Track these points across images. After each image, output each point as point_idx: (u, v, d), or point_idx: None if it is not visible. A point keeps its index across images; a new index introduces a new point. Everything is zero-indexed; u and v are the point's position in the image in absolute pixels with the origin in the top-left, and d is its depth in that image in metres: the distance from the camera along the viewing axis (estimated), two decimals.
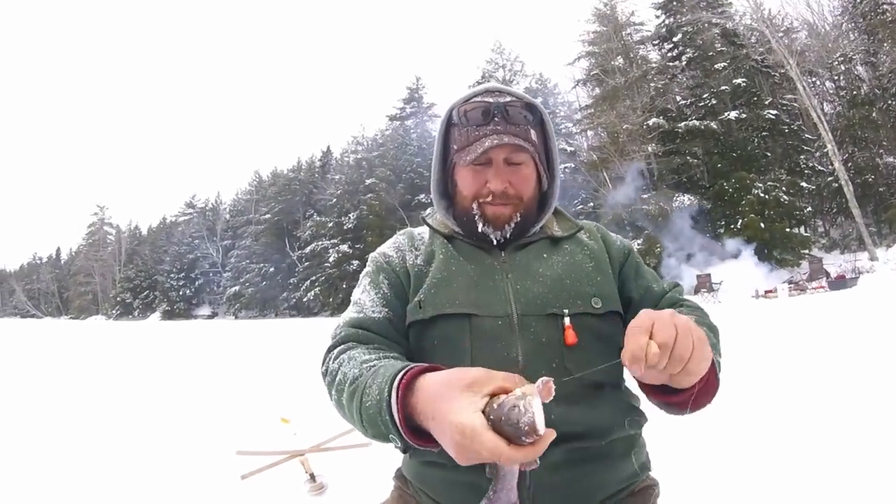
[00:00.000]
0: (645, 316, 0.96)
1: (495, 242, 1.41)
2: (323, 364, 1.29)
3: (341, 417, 1.21)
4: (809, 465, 3.76)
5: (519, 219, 1.40)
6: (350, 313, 1.39)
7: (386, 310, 1.36)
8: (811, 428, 4.59)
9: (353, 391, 1.10)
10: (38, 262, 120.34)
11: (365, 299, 1.39)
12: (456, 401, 0.85)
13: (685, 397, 1.06)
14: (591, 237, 1.52)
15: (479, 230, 1.40)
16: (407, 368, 1.00)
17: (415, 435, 0.96)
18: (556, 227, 1.52)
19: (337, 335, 1.33)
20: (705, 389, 1.08)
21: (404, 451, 1.06)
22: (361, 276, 1.50)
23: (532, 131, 1.40)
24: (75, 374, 12.43)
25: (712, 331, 1.26)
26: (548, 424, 0.95)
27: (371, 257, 1.53)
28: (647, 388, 1.12)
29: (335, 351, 1.27)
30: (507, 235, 1.40)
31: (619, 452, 1.30)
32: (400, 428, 0.96)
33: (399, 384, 0.97)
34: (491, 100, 1.38)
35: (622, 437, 1.29)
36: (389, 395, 0.98)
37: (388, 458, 1.42)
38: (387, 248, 1.53)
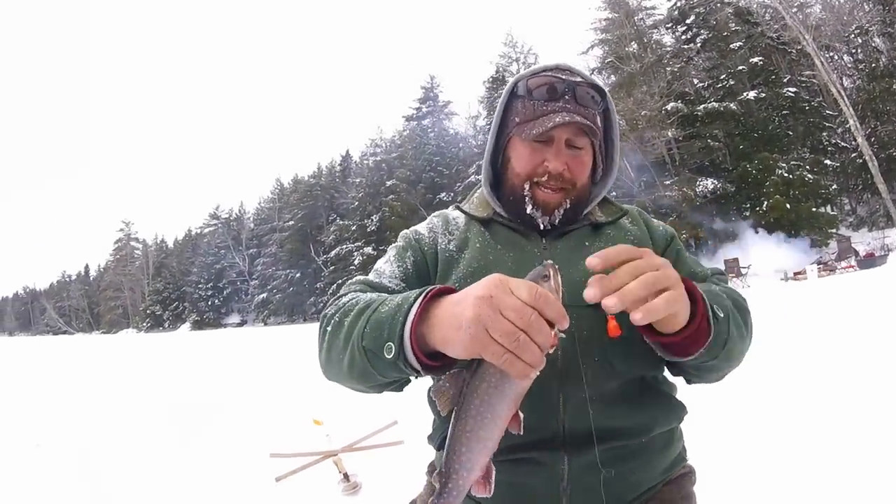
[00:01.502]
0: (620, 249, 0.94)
1: (542, 227, 1.36)
2: (328, 306, 1.21)
3: (324, 350, 1.15)
4: (842, 450, 3.75)
5: (569, 206, 1.36)
6: (368, 276, 1.35)
7: (403, 285, 1.31)
8: (845, 412, 4.57)
9: (367, 305, 1.06)
10: (68, 279, 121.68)
11: (386, 269, 1.36)
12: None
13: (672, 339, 1.02)
14: (633, 222, 1.47)
15: (528, 212, 1.35)
16: (439, 287, 0.97)
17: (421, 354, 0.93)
18: (599, 213, 1.47)
19: (350, 288, 1.29)
20: (694, 336, 1.03)
21: (394, 364, 0.94)
22: (389, 248, 1.46)
23: (598, 117, 1.36)
24: (110, 386, 12.71)
25: (733, 300, 1.20)
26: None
27: (402, 233, 1.49)
28: (642, 329, 1.05)
29: (347, 295, 1.22)
30: (556, 222, 1.36)
31: (658, 447, 1.28)
32: (409, 333, 0.92)
33: (429, 292, 0.94)
34: (562, 77, 1.33)
35: (662, 431, 1.28)
36: (417, 298, 0.94)
37: (422, 454, 1.40)
38: (421, 227, 1.49)
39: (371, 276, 1.34)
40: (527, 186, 1.34)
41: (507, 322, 0.79)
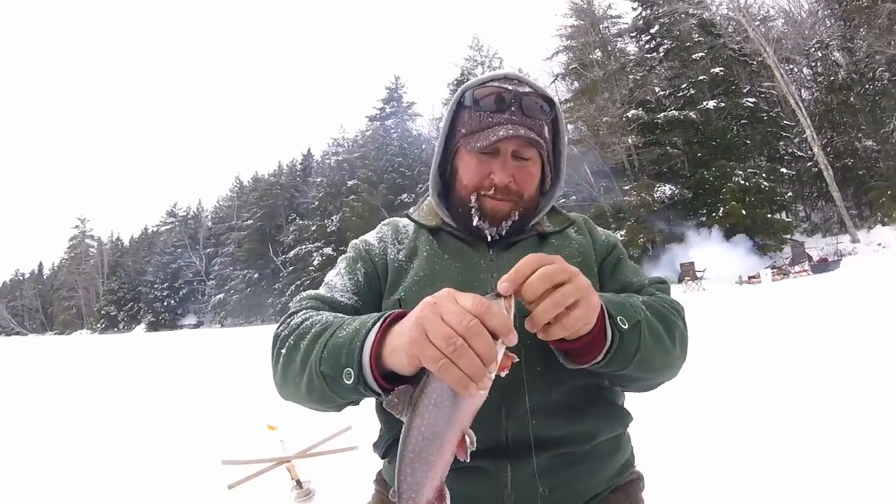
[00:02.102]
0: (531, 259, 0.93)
1: (489, 239, 1.34)
2: (280, 325, 1.21)
3: (279, 371, 1.15)
4: (795, 451, 3.71)
5: (517, 217, 1.34)
6: (319, 290, 1.34)
7: (356, 298, 1.32)
8: (797, 414, 4.55)
9: (324, 329, 1.06)
10: (21, 277, 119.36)
11: (337, 282, 1.35)
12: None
13: (569, 346, 1.03)
14: (578, 231, 1.47)
15: (474, 224, 1.33)
16: (399, 311, 0.97)
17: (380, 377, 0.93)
18: (546, 222, 1.46)
19: (301, 305, 1.27)
20: (591, 344, 1.02)
21: (354, 388, 0.96)
22: (339, 259, 1.45)
23: (546, 127, 1.35)
24: (61, 389, 12.41)
25: (657, 312, 1.18)
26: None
27: (352, 243, 1.48)
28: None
29: (300, 313, 1.21)
30: (503, 233, 1.34)
31: (604, 453, 1.26)
32: (368, 358, 0.93)
33: (387, 318, 0.95)
34: (509, 87, 1.30)
35: (607, 438, 1.26)
36: (375, 323, 0.95)
37: (375, 460, 1.36)
38: (370, 236, 1.48)
39: (322, 291, 1.34)
40: (473, 198, 1.33)
41: (445, 326, 0.80)
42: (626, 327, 1.05)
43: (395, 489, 0.87)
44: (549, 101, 1.33)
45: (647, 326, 1.11)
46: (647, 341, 1.09)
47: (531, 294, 0.89)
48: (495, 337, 0.80)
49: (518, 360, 0.87)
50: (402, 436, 0.85)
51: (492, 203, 1.31)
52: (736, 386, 5.72)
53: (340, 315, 1.13)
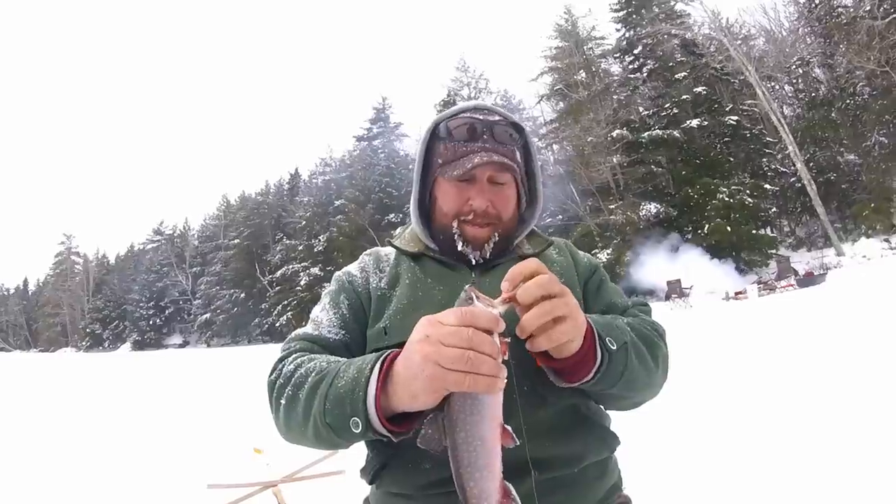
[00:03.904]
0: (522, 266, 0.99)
1: (474, 262, 1.37)
2: (273, 372, 1.23)
3: (282, 420, 1.17)
4: (785, 470, 3.77)
5: (497, 239, 1.37)
6: (306, 329, 1.37)
7: (343, 332, 1.34)
8: (787, 431, 4.60)
9: (320, 378, 1.08)
10: (6, 293, 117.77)
11: (323, 318, 1.37)
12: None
13: (559, 365, 1.07)
14: (559, 253, 1.51)
15: (459, 249, 1.37)
16: (393, 351, 0.99)
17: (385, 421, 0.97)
18: (526, 245, 1.50)
19: (290, 347, 1.30)
20: (581, 363, 1.07)
21: (364, 434, 0.99)
22: (324, 293, 1.48)
23: (517, 152, 1.39)
24: (46, 407, 12.39)
25: (640, 334, 1.24)
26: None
27: (335, 276, 1.50)
28: (534, 353, 1.07)
29: (291, 357, 1.23)
30: (486, 256, 1.37)
31: (591, 477, 1.26)
32: (374, 408, 0.96)
33: (386, 359, 0.98)
34: (480, 117, 1.36)
35: (595, 461, 1.27)
36: (373, 369, 0.98)
37: (362, 485, 1.38)
38: (352, 267, 1.50)
39: (309, 329, 1.36)
40: (455, 225, 1.36)
41: (451, 349, 0.84)
42: (614, 348, 1.10)
43: None
44: (518, 128, 1.41)
45: (634, 348, 1.16)
46: (633, 362, 1.14)
47: (526, 297, 0.94)
48: (490, 333, 0.86)
49: (509, 339, 0.91)
50: (451, 457, 0.89)
51: (472, 230, 1.35)
52: (724, 404, 5.75)
53: (333, 358, 1.15)
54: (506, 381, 0.86)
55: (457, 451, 0.89)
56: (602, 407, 1.36)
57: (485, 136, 1.33)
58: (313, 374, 1.10)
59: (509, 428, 0.90)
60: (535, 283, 0.95)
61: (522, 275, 0.96)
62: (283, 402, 1.14)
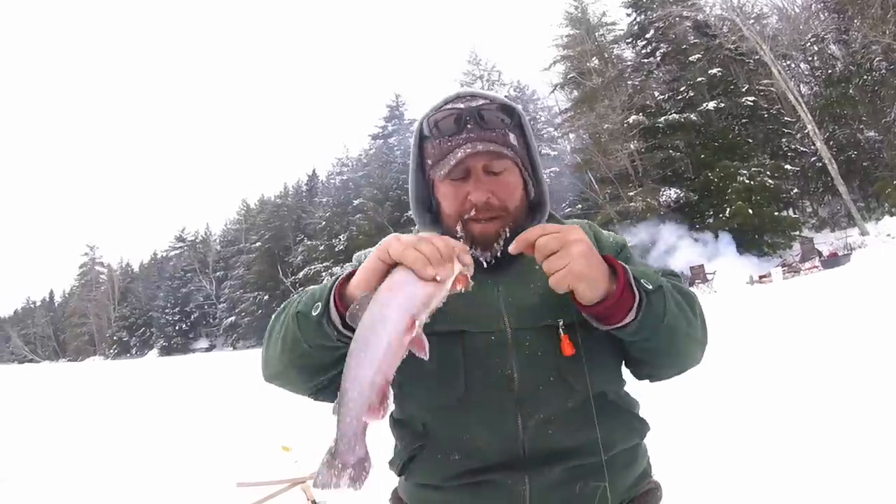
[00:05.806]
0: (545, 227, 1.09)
1: (485, 265, 1.26)
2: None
3: (265, 338, 1.24)
4: (815, 456, 3.74)
5: (508, 234, 1.25)
6: None
7: None
8: (816, 417, 4.56)
9: (307, 291, 1.18)
10: (32, 306, 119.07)
11: None
12: None
13: (597, 309, 1.09)
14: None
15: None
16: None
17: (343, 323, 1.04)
18: None
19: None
20: (619, 304, 1.09)
21: (319, 321, 1.07)
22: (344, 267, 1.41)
23: (511, 135, 1.30)
24: (77, 414, 12.58)
25: (676, 287, 1.23)
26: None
27: (356, 255, 1.46)
28: (574, 302, 1.12)
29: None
30: (498, 255, 1.26)
31: (620, 464, 1.26)
32: (335, 292, 1.07)
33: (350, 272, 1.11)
34: (462, 105, 1.28)
35: (624, 449, 1.27)
36: (341, 276, 1.11)
37: (391, 477, 1.39)
38: (371, 250, 1.35)
39: None
40: (459, 227, 1.27)
41: (401, 242, 0.97)
42: (650, 287, 1.10)
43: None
44: (509, 109, 1.30)
45: (671, 294, 1.14)
46: (673, 308, 1.12)
47: (530, 236, 1.07)
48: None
49: (473, 283, 0.98)
50: (354, 336, 0.93)
51: (479, 227, 1.26)
52: (753, 390, 5.73)
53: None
54: (443, 297, 0.95)
55: (360, 325, 0.90)
56: (630, 393, 1.36)
57: (469, 125, 1.25)
58: (305, 296, 1.17)
59: (426, 340, 0.93)
60: (538, 226, 1.07)
61: (534, 236, 1.06)
62: (272, 321, 1.24)
